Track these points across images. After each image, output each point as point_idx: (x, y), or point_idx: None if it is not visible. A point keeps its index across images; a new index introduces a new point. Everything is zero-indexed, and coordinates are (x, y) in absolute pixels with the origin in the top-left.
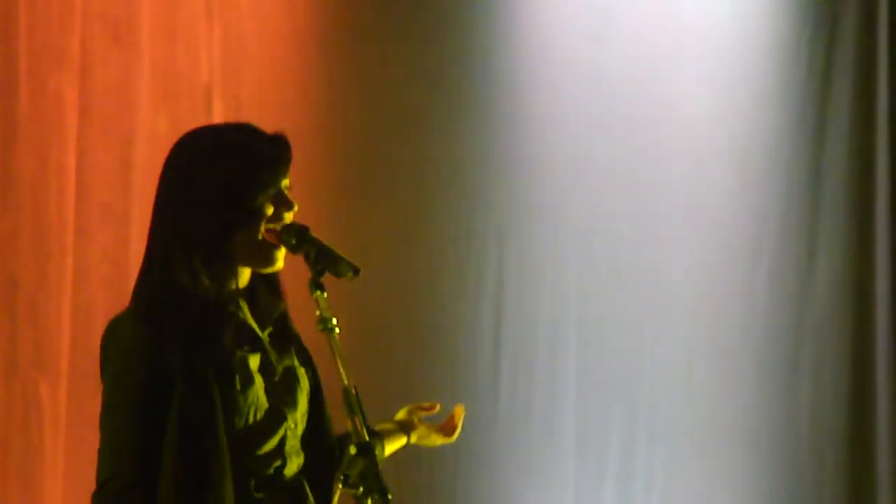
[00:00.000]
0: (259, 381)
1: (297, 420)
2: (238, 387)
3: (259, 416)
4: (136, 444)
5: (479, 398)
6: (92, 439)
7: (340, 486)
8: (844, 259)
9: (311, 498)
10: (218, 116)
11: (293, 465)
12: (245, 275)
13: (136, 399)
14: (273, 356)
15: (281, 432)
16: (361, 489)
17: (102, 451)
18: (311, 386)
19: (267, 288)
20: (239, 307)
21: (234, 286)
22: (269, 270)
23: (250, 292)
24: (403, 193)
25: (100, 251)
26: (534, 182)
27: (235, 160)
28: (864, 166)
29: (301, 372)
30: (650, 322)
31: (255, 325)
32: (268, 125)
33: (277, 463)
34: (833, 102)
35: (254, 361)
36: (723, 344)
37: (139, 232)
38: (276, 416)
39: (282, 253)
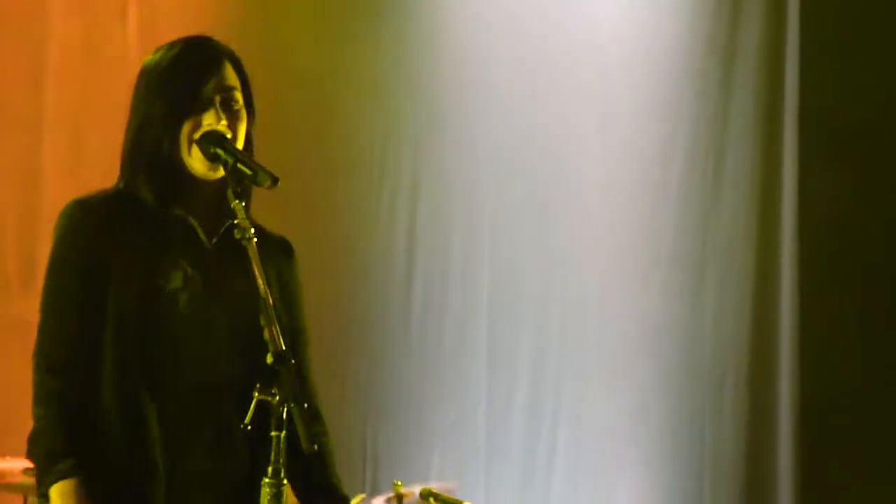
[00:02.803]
0: (182, 285)
1: (221, 330)
2: (165, 287)
3: (180, 320)
4: (68, 327)
5: (392, 315)
6: None
7: (256, 394)
8: (750, 181)
9: (223, 407)
10: (133, 22)
11: (207, 372)
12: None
13: (70, 281)
14: (209, 263)
15: (198, 338)
16: (277, 398)
17: (40, 327)
18: (251, 300)
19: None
20: (188, 218)
21: (188, 200)
22: (213, 177)
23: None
24: (319, 100)
25: (11, 156)
26: (447, 107)
27: (158, 75)
28: (773, 95)
29: (239, 284)
30: (562, 241)
31: (200, 231)
32: (183, 31)
33: (192, 368)
34: (742, 27)
35: (183, 264)
36: (632, 265)
37: (51, 134)
38: (196, 323)
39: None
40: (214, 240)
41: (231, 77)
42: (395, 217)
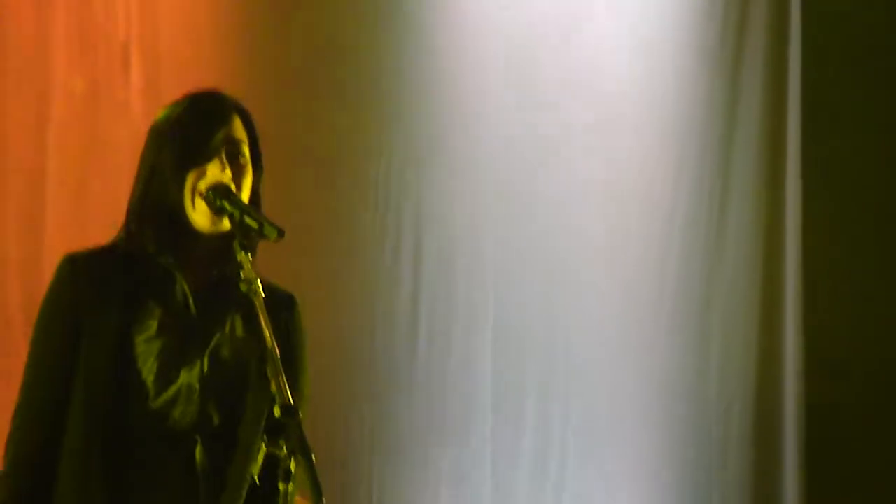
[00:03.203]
0: (155, 334)
1: (195, 376)
2: (137, 336)
3: (152, 369)
4: (43, 383)
5: (397, 359)
6: None
7: (264, 446)
8: (755, 231)
9: (199, 455)
10: (136, 74)
11: (185, 420)
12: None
13: (46, 334)
14: (188, 314)
15: (173, 389)
16: (285, 450)
17: (22, 380)
18: (235, 352)
19: (222, 255)
20: (175, 269)
21: (183, 252)
22: (216, 231)
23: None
24: (320, 155)
25: (14, 206)
26: (452, 156)
27: (166, 127)
28: (775, 142)
29: (222, 337)
30: (567, 286)
31: (182, 282)
32: (186, 82)
33: (168, 418)
34: (744, 78)
35: (158, 314)
36: (637, 309)
37: (53, 188)
38: (167, 370)
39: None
40: (199, 290)
41: (239, 130)
42: (399, 263)
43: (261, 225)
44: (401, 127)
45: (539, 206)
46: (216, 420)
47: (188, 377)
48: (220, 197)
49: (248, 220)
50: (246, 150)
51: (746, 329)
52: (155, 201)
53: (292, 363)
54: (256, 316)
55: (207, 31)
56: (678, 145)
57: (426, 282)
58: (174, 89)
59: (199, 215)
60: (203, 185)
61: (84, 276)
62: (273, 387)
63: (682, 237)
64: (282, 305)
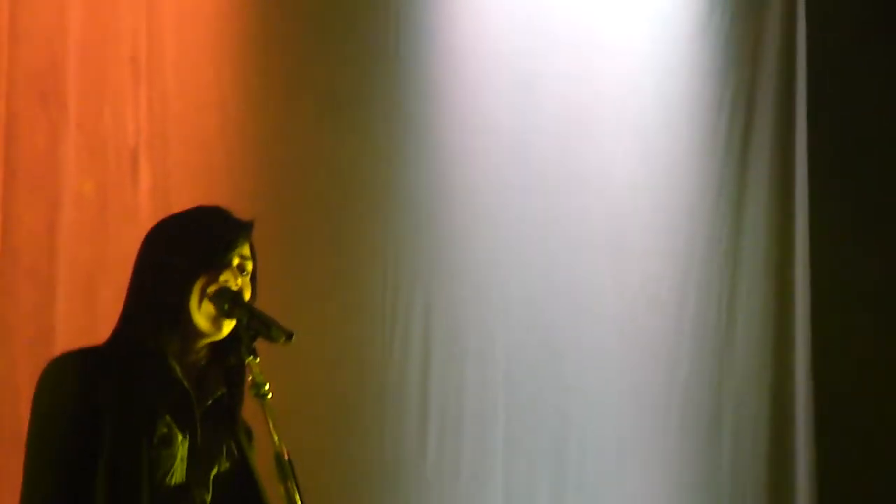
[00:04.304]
0: (180, 446)
1: (205, 498)
2: (162, 446)
3: (176, 479)
4: (66, 480)
5: (407, 458)
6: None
7: None
8: (763, 322)
9: None
10: (144, 180)
11: None
12: (199, 350)
13: (66, 431)
14: (197, 431)
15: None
16: None
17: (29, 488)
18: (236, 469)
19: (217, 372)
20: (183, 373)
21: (188, 357)
22: (214, 336)
23: (202, 373)
24: (328, 253)
25: (25, 314)
26: (455, 242)
27: (183, 230)
28: (783, 236)
29: (221, 456)
30: (577, 382)
31: (193, 397)
32: (195, 189)
33: None
34: (751, 169)
35: (175, 428)
36: (649, 401)
37: (65, 295)
38: (183, 491)
39: (226, 322)
40: (207, 402)
41: (247, 249)
42: (407, 361)
43: (269, 327)
44: (408, 240)
45: (546, 316)
46: None
47: (199, 495)
48: (227, 301)
49: (256, 322)
50: (250, 267)
51: (756, 441)
52: (162, 300)
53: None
54: (264, 418)
55: (214, 139)
56: (685, 236)
57: (434, 379)
58: (183, 194)
59: (203, 317)
60: (212, 290)
61: (101, 374)
62: (283, 492)
63: (692, 344)
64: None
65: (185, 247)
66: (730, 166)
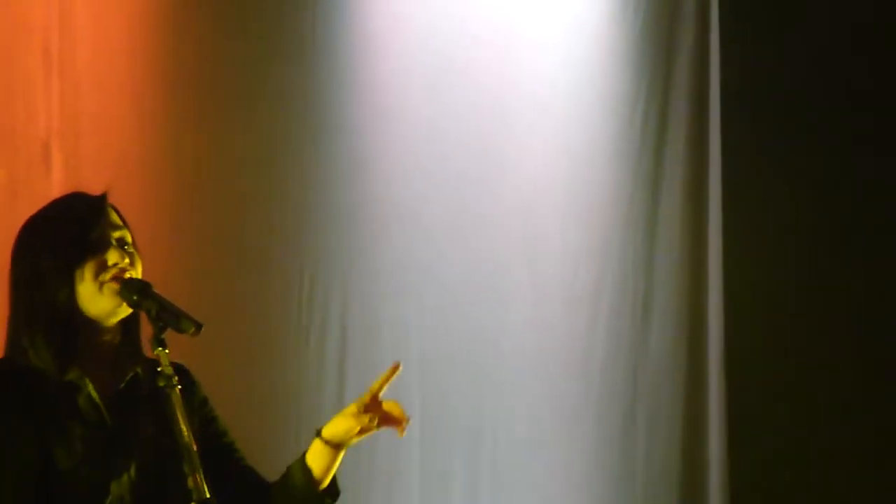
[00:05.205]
0: (78, 452)
1: (126, 486)
2: (59, 457)
3: (83, 488)
4: None
5: None
6: None
7: None
8: (677, 316)
9: None
10: (57, 171)
11: None
12: (107, 332)
13: None
14: (105, 421)
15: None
16: None
17: None
18: (159, 447)
19: (126, 349)
20: (82, 381)
21: (85, 355)
22: (110, 316)
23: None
24: (242, 248)
25: None
26: (375, 238)
27: (40, 229)
28: (696, 231)
29: (143, 441)
30: (494, 377)
31: (94, 393)
32: (108, 179)
33: None
34: (666, 163)
35: (78, 431)
36: (564, 398)
37: None
38: (98, 488)
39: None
40: (110, 395)
41: (116, 218)
42: (324, 357)
43: (178, 318)
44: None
45: (464, 307)
46: None
47: (119, 489)
48: (135, 292)
49: (165, 313)
50: (129, 238)
51: (671, 418)
52: (43, 307)
53: (215, 418)
54: (171, 411)
55: (127, 130)
56: (601, 232)
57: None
58: (96, 183)
59: (104, 302)
60: (107, 276)
61: None
62: (189, 482)
63: (607, 338)
64: (184, 376)
65: (51, 243)
66: (645, 160)
